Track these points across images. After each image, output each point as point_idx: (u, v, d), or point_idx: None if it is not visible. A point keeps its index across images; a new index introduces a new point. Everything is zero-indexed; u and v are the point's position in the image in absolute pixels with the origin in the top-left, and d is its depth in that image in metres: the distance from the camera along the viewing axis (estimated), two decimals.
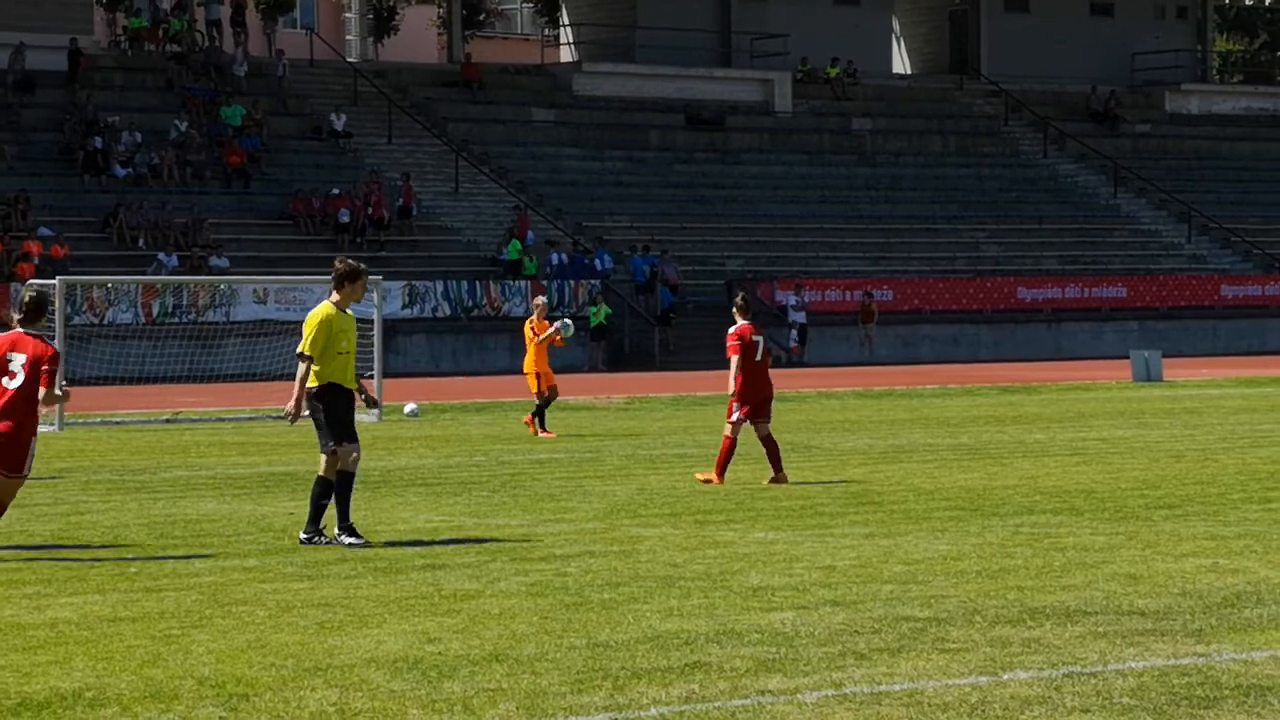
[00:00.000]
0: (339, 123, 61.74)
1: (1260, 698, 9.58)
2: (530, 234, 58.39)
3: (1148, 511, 17.93)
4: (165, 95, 61.04)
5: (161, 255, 52.68)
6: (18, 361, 15.23)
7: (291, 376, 16.69)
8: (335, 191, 57.55)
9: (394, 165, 61.71)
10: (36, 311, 15.60)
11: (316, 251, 55.25)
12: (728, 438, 21.27)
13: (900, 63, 79.88)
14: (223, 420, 33.79)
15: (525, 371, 30.40)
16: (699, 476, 21.55)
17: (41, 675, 10.42)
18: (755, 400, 21.33)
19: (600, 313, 55.82)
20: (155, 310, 50.35)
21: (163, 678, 10.36)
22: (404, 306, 53.68)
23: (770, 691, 9.85)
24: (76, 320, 45.42)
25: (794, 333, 58.42)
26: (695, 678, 10.22)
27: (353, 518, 16.11)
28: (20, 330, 15.48)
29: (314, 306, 16.81)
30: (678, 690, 9.92)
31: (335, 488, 16.04)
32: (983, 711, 9.34)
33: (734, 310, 21.57)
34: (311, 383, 16.26)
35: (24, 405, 15.18)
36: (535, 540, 16.34)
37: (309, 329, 16.31)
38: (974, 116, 75.26)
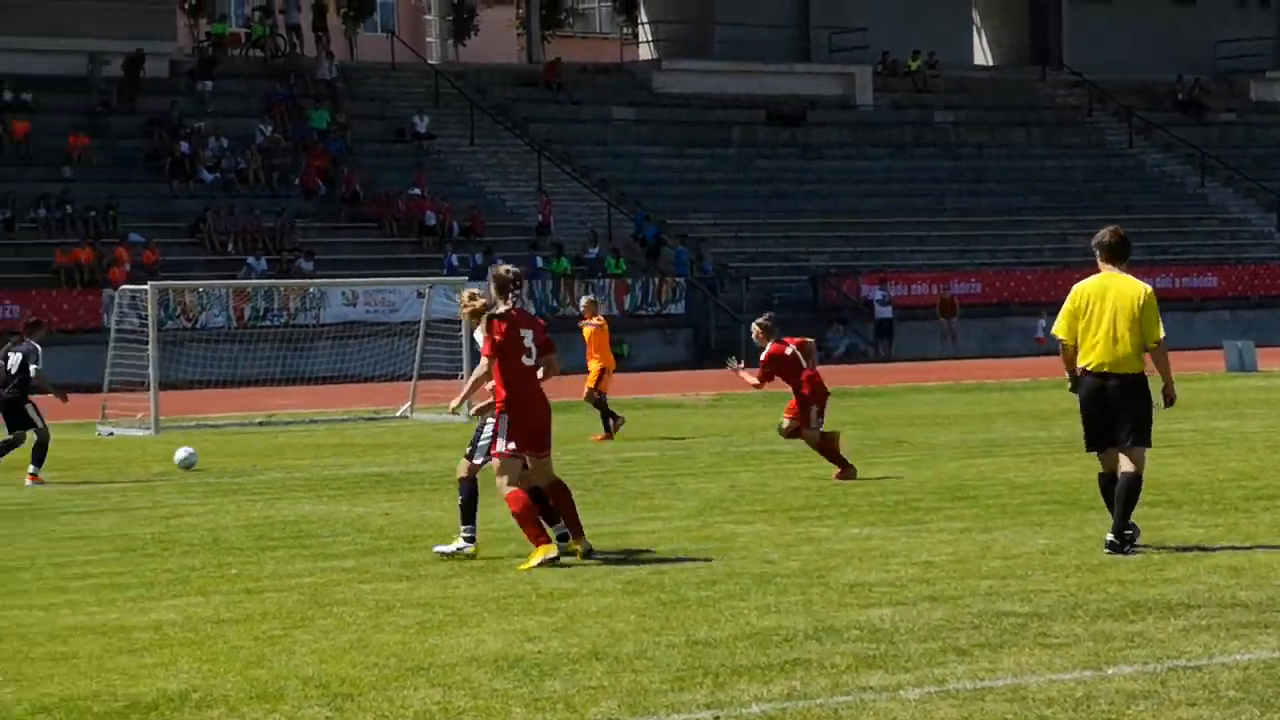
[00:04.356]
0: (421, 125, 61.97)
1: None
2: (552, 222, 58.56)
3: (1246, 503, 17.79)
4: (249, 100, 61.41)
5: (250, 259, 53.03)
6: (529, 338, 14.88)
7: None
8: (416, 192, 57.70)
9: (477, 166, 61.96)
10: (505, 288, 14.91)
11: (402, 253, 55.53)
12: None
13: (981, 54, 79.52)
14: (315, 422, 33.98)
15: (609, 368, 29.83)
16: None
17: (148, 677, 10.52)
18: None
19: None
20: (246, 314, 50.70)
21: (268, 678, 10.43)
22: None
23: (872, 688, 9.83)
24: (169, 325, 45.74)
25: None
26: (796, 675, 10.21)
27: (442, 515, 16.12)
28: (518, 308, 14.95)
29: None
30: (779, 687, 9.91)
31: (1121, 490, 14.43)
32: (1088, 707, 9.29)
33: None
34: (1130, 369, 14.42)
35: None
36: (630, 538, 16.36)
37: (1155, 310, 14.51)
38: (1057, 107, 74.85)
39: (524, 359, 14.83)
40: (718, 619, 12.03)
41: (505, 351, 14.73)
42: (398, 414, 33.84)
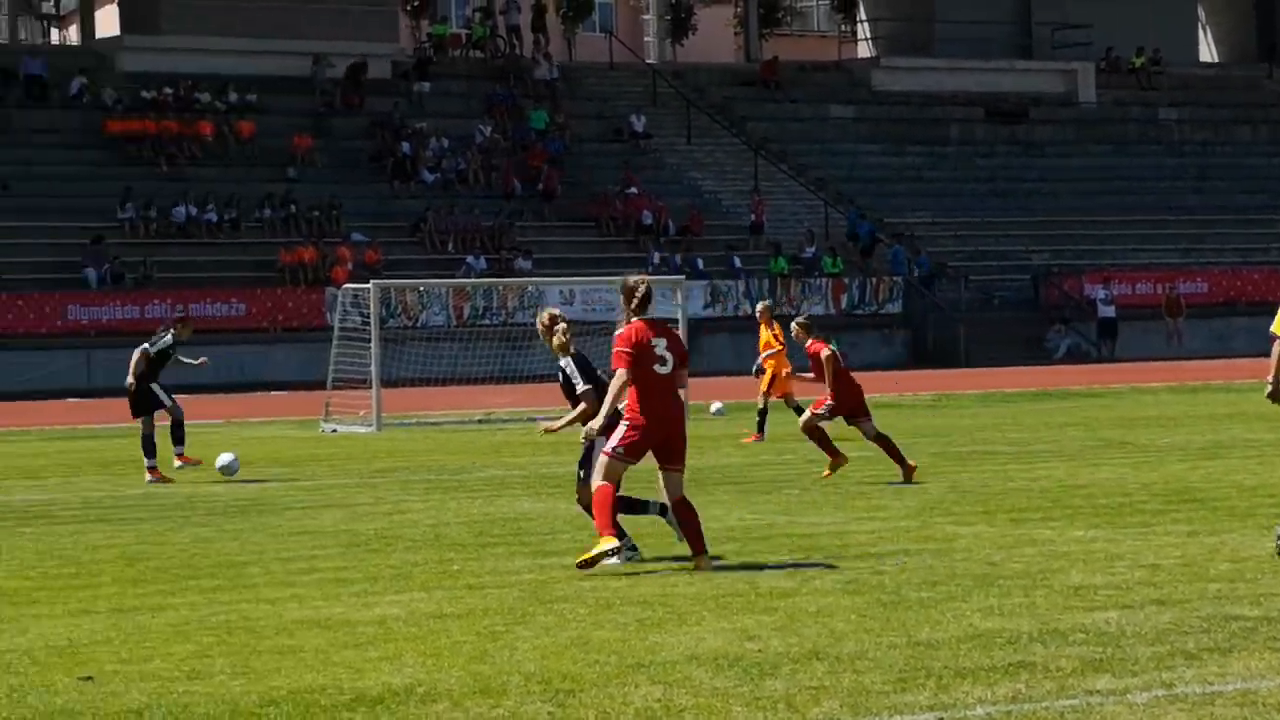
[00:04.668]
0: (639, 124, 62.19)
1: None
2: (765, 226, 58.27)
3: None
4: (470, 101, 62.02)
5: (470, 258, 53.55)
6: (662, 346, 14.39)
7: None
8: (632, 190, 57.99)
9: (694, 165, 62.06)
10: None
11: (618, 252, 55.77)
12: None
13: (1207, 51, 78.19)
14: (533, 420, 34.19)
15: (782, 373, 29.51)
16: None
17: (373, 671, 10.63)
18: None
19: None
20: (466, 312, 51.23)
21: (490, 673, 10.50)
22: (706, 306, 53.91)
23: (1099, 691, 9.68)
24: (391, 323, 46.31)
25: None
26: (1020, 677, 10.09)
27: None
28: (646, 318, 14.56)
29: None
30: (1003, 689, 9.80)
31: None
32: None
33: None
34: None
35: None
36: (848, 538, 16.28)
37: None
38: None
39: (657, 367, 14.29)
40: (940, 620, 11.92)
41: (637, 361, 14.27)
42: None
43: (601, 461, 14.47)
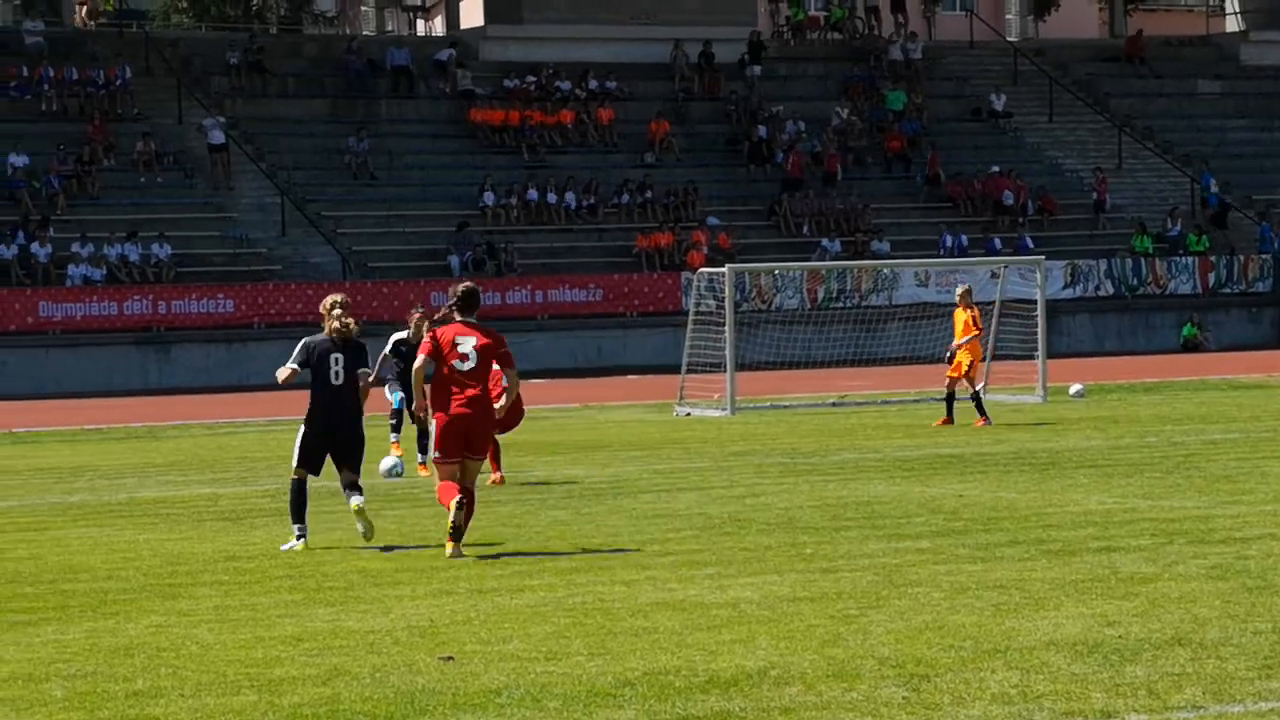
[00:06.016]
0: (998, 103, 61.43)
1: None
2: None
3: None
4: (826, 84, 61.89)
5: (824, 241, 53.45)
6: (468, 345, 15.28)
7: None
8: (994, 170, 57.32)
9: (1054, 144, 61.13)
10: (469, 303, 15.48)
11: (977, 233, 55.17)
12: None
13: None
14: (887, 403, 34.02)
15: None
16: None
17: (727, 653, 10.66)
18: None
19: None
20: (820, 295, 51.13)
21: (844, 657, 10.46)
22: (1065, 286, 53.07)
23: None
24: (745, 307, 46.45)
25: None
26: None
27: (1017, 496, 15.93)
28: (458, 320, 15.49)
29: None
30: None
31: None
32: None
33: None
34: None
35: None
36: (1213, 523, 15.88)
37: None
38: None
39: (457, 364, 15.11)
40: None
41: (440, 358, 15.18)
42: (968, 395, 33.59)
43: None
